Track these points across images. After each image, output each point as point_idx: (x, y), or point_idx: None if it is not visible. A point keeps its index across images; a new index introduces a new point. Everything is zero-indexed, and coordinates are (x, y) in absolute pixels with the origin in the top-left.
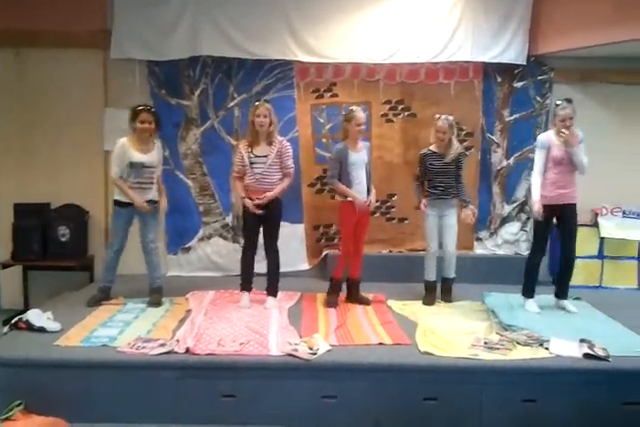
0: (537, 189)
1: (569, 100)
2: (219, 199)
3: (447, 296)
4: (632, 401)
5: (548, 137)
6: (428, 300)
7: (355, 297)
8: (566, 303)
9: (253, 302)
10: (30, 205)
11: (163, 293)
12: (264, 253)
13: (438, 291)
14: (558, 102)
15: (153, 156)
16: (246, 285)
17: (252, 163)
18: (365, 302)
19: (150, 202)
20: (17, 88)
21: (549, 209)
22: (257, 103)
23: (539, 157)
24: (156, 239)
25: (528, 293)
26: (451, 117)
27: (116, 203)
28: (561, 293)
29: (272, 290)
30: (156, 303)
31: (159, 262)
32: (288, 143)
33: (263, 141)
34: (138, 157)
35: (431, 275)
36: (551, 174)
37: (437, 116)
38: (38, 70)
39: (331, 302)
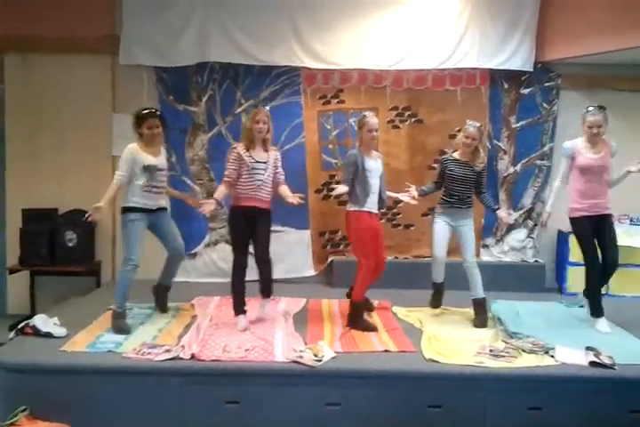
0: (552, 198)
1: (601, 108)
2: (225, 205)
3: (480, 319)
4: (638, 409)
5: (573, 144)
6: (435, 302)
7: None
8: (599, 322)
9: (257, 308)
10: (38, 210)
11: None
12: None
13: (469, 303)
14: (590, 108)
15: (162, 159)
16: (240, 308)
17: (252, 168)
18: (369, 308)
19: (163, 209)
20: (24, 93)
21: (586, 220)
22: (256, 109)
23: (562, 166)
24: (182, 242)
25: (598, 311)
26: (479, 124)
27: (130, 209)
28: (596, 311)
29: (267, 292)
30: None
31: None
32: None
33: (259, 147)
34: (150, 159)
35: (439, 278)
36: (580, 184)
37: (468, 121)
38: (46, 76)
39: (370, 327)
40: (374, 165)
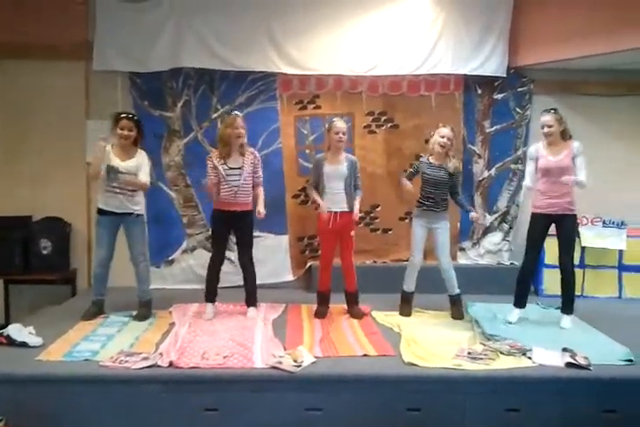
0: (524, 198)
1: (552, 109)
2: (202, 211)
3: (457, 313)
4: (613, 409)
5: (535, 148)
6: (405, 311)
7: (349, 310)
8: (564, 317)
9: (236, 314)
10: (11, 218)
11: (151, 307)
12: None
13: (446, 307)
14: (543, 110)
15: (130, 164)
16: (211, 297)
17: (227, 175)
18: (356, 315)
19: (131, 214)
20: None
21: (542, 218)
22: (231, 116)
23: (528, 167)
24: (143, 252)
25: (515, 301)
26: (450, 127)
27: (98, 211)
28: (563, 307)
29: (251, 301)
30: (141, 317)
31: (146, 276)
32: (257, 153)
33: (235, 153)
34: (114, 161)
35: (410, 286)
36: (540, 184)
37: (441, 124)
38: (19, 82)
39: (316, 313)
40: (334, 170)
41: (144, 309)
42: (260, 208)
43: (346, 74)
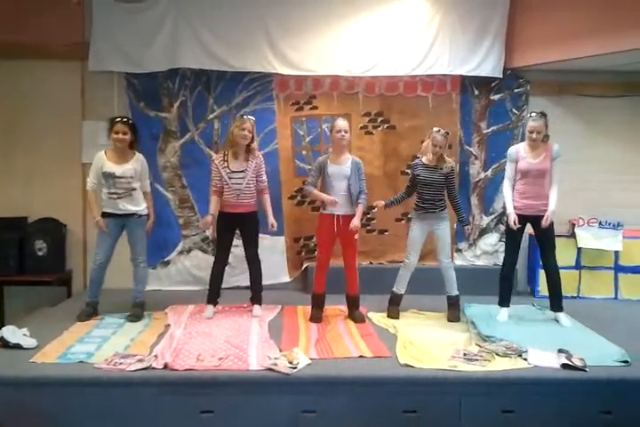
0: (509, 200)
1: (542, 114)
2: (198, 212)
3: (453, 316)
4: (609, 410)
5: (516, 149)
6: (393, 313)
7: (350, 314)
8: (560, 316)
9: (232, 315)
10: (7, 219)
11: (144, 308)
12: (246, 264)
13: (442, 309)
14: (532, 114)
15: (127, 167)
16: (213, 298)
17: (229, 178)
18: (358, 319)
19: (133, 215)
20: None
21: (519, 218)
22: (242, 118)
23: (508, 169)
24: (141, 253)
25: (501, 302)
26: (445, 132)
27: (102, 214)
28: (553, 305)
29: (257, 298)
30: (134, 318)
31: (143, 277)
32: (262, 158)
33: (241, 156)
34: (110, 167)
35: (400, 288)
36: (518, 185)
37: (436, 129)
38: (14, 82)
39: (312, 317)
40: (338, 170)
41: (137, 309)
42: (271, 219)
43: (342, 74)
